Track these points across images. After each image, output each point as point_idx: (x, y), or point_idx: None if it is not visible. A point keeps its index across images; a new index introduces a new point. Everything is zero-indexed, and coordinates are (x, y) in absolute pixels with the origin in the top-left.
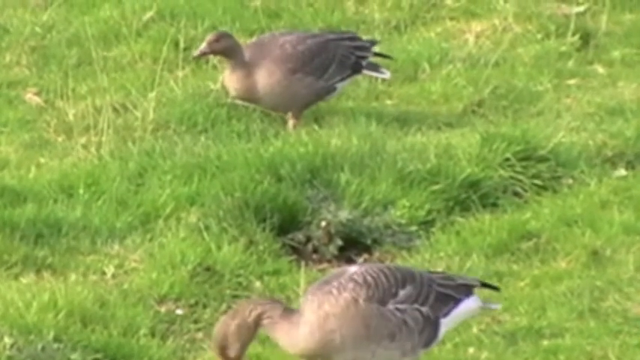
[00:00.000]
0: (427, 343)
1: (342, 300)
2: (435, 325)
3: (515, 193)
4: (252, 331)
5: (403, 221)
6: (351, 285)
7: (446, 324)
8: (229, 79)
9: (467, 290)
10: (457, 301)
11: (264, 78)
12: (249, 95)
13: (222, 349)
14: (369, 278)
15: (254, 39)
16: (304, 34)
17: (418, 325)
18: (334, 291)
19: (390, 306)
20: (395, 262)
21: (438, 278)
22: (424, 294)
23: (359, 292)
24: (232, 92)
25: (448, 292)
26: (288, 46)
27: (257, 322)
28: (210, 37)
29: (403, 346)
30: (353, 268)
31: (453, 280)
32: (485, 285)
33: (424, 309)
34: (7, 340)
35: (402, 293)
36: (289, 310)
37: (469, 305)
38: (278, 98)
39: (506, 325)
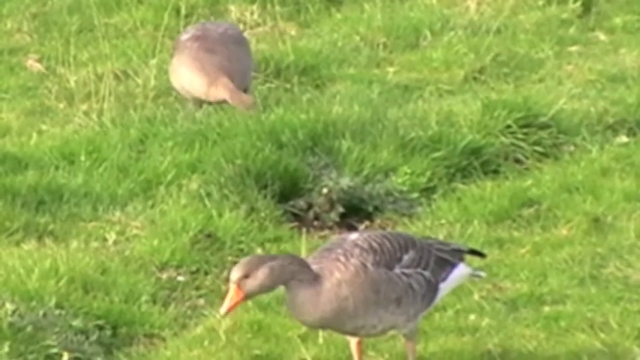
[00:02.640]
0: (426, 307)
1: (352, 266)
2: (435, 290)
3: (517, 160)
4: (278, 281)
5: (404, 188)
6: (357, 251)
7: (443, 289)
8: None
9: (459, 255)
10: (453, 266)
11: None
12: None
13: (243, 278)
14: (374, 244)
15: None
16: None
17: (422, 289)
18: (342, 258)
19: (397, 270)
20: (396, 229)
21: (434, 243)
22: (425, 258)
23: (366, 257)
24: None
25: (445, 257)
26: None
27: (288, 278)
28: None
29: (408, 311)
30: (353, 235)
31: (447, 245)
32: (473, 252)
33: (427, 273)
34: (8, 306)
35: (406, 258)
36: (317, 277)
37: (462, 271)
38: None
39: (507, 292)
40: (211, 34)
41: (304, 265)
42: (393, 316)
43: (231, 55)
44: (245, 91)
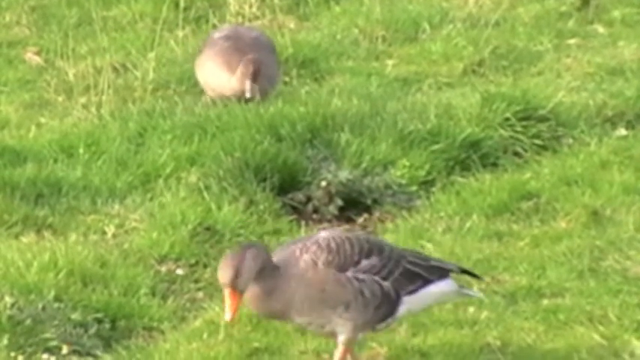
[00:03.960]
0: (382, 320)
1: (303, 262)
2: (394, 302)
3: (516, 153)
4: (259, 267)
5: (403, 181)
6: (313, 248)
7: (409, 302)
8: None
9: (440, 272)
10: (426, 282)
11: None
12: None
13: (234, 279)
14: (332, 244)
15: None
16: None
17: (375, 299)
18: (297, 253)
19: (349, 274)
20: (395, 222)
21: (410, 255)
22: (389, 268)
23: (319, 255)
24: None
25: (417, 271)
26: None
27: (262, 266)
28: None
29: (356, 319)
30: (323, 233)
31: (426, 261)
32: (465, 272)
33: (385, 283)
34: (7, 299)
35: (365, 263)
36: (275, 269)
37: (441, 288)
38: None
39: (506, 285)
40: (244, 36)
41: (268, 254)
42: (342, 320)
43: (263, 59)
44: (265, 96)
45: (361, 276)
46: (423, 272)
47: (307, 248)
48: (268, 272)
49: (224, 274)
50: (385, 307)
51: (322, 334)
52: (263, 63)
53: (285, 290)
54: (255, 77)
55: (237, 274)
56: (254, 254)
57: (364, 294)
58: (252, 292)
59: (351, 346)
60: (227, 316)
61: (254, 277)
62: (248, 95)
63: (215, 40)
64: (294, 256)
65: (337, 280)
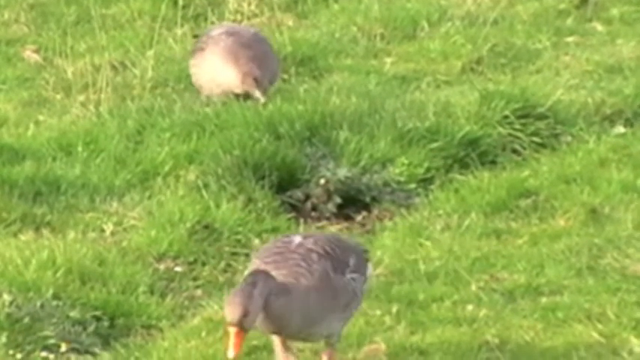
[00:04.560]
0: (354, 314)
1: (317, 272)
2: (362, 294)
3: (514, 151)
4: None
5: (402, 179)
6: (315, 256)
7: (365, 291)
8: None
9: (368, 254)
10: (368, 265)
11: None
12: None
13: (243, 317)
14: (328, 249)
15: None
16: None
17: (360, 295)
18: (303, 264)
19: (348, 276)
20: (394, 220)
21: (357, 243)
22: (360, 262)
23: (325, 263)
24: None
25: (367, 257)
26: None
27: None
28: None
29: (347, 317)
30: (298, 239)
31: (361, 244)
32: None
33: (362, 278)
34: (6, 297)
35: (351, 262)
36: (284, 286)
37: (370, 271)
38: None
39: (504, 283)
40: (244, 32)
41: (271, 276)
42: (339, 323)
43: (266, 53)
44: (265, 90)
45: (354, 276)
46: (367, 257)
47: (310, 257)
48: (276, 296)
49: (232, 313)
50: (360, 300)
51: (314, 341)
52: (265, 60)
53: (304, 304)
54: (257, 80)
55: (245, 314)
56: (261, 289)
57: (357, 293)
58: (276, 315)
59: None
60: (230, 354)
61: (261, 311)
62: (262, 101)
63: (216, 37)
64: (302, 268)
65: (345, 285)
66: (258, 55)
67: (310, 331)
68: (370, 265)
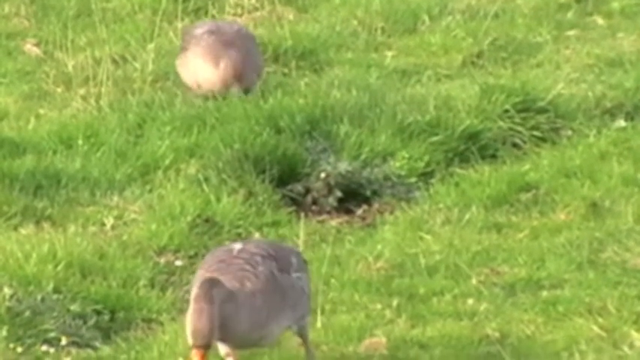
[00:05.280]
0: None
1: (262, 274)
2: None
3: (514, 145)
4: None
5: (402, 173)
6: (259, 259)
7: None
8: None
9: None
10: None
11: None
12: None
13: (209, 340)
14: (271, 251)
15: None
16: None
17: (308, 292)
18: (247, 267)
19: (293, 275)
20: (394, 214)
21: (295, 247)
22: (301, 262)
23: (270, 264)
24: None
25: (305, 259)
26: None
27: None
28: None
29: (297, 315)
30: (238, 245)
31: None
32: None
33: (305, 276)
34: (6, 290)
35: (294, 262)
36: (231, 292)
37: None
38: None
39: (505, 277)
40: (226, 30)
41: (220, 283)
42: (287, 322)
43: (249, 51)
44: (249, 88)
45: (299, 274)
46: (305, 259)
47: (254, 260)
48: (225, 303)
49: (199, 338)
50: (308, 297)
51: (263, 346)
52: (247, 58)
53: (251, 308)
54: (239, 79)
55: (211, 335)
56: (217, 303)
57: (305, 290)
58: (224, 322)
59: (308, 333)
60: None
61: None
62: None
63: (198, 36)
64: (247, 271)
65: (291, 283)
66: (240, 53)
67: (260, 334)
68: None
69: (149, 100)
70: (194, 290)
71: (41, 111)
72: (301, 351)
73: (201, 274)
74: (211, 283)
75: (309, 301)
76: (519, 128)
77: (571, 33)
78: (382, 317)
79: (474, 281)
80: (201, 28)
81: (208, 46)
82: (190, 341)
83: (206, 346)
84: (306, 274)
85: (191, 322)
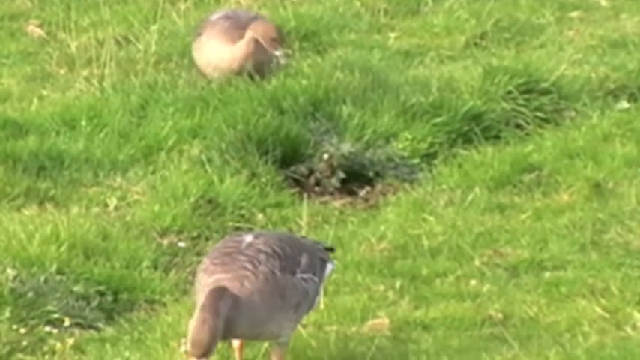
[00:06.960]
0: (307, 313)
1: (261, 274)
2: (318, 293)
3: (518, 126)
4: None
5: (405, 154)
6: (262, 257)
7: (322, 290)
8: None
9: (327, 253)
10: (326, 265)
11: None
12: None
13: (208, 353)
14: (277, 249)
15: None
16: None
17: (312, 295)
18: (249, 265)
19: (298, 275)
20: (397, 195)
21: (312, 242)
22: (314, 262)
23: (273, 263)
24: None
25: (323, 257)
26: None
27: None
28: None
29: (299, 318)
30: (249, 238)
31: (319, 244)
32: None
33: (316, 278)
34: (10, 271)
35: (302, 262)
36: (235, 296)
37: (330, 268)
38: None
39: (508, 258)
40: (242, 16)
41: (228, 294)
42: (290, 323)
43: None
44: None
45: (305, 275)
46: (325, 257)
47: (257, 259)
48: (232, 311)
49: (196, 347)
50: (314, 300)
51: (266, 339)
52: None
53: (250, 307)
54: (281, 40)
55: (210, 348)
56: (222, 315)
57: (309, 293)
58: (229, 321)
59: (288, 345)
60: None
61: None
62: (282, 62)
63: (214, 21)
64: (248, 270)
65: (293, 284)
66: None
67: (260, 331)
68: (330, 265)
69: (152, 82)
70: (201, 296)
71: (44, 92)
72: (305, 347)
73: (205, 262)
74: (219, 294)
75: (311, 307)
76: (522, 109)
77: (574, 14)
78: (385, 298)
79: (476, 262)
80: (217, 14)
81: (224, 28)
82: (188, 349)
83: (203, 357)
84: (317, 275)
85: (193, 331)
